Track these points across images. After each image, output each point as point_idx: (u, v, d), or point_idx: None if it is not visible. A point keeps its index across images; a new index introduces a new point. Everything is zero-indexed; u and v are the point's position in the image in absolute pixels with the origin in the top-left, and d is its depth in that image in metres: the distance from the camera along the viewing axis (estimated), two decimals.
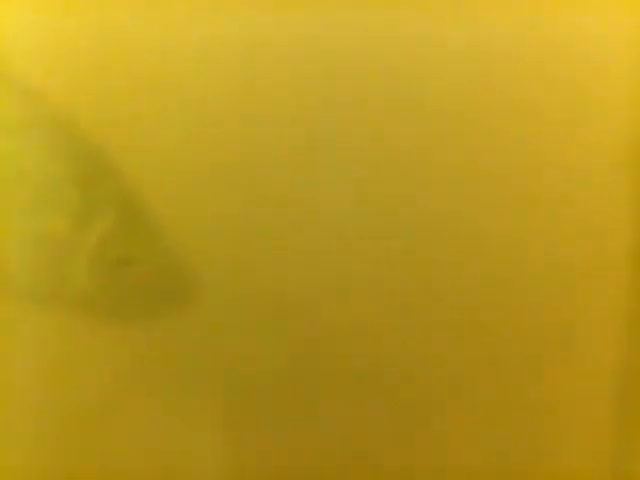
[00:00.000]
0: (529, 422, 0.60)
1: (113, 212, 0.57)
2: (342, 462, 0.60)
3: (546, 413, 0.60)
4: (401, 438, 0.60)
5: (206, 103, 0.58)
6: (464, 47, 0.58)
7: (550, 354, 0.60)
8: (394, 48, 0.58)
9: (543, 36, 0.58)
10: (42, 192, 0.56)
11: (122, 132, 0.57)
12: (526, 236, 0.60)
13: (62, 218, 0.56)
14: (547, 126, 0.59)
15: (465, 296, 0.60)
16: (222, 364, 0.59)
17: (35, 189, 0.56)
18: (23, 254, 0.57)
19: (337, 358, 0.59)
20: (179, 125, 0.58)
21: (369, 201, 0.59)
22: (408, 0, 0.57)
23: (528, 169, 0.59)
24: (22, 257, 0.57)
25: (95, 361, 0.59)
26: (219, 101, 0.58)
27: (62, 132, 0.57)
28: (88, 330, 0.58)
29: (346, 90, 0.58)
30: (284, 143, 0.58)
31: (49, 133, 0.57)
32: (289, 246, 0.59)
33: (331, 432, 0.60)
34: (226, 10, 0.57)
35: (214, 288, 0.58)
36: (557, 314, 0.60)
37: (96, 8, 0.57)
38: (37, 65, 0.57)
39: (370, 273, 0.59)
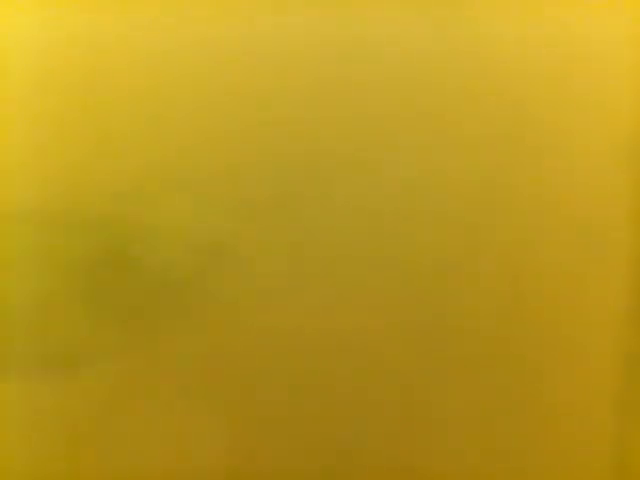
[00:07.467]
0: (529, 422, 0.60)
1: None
2: (342, 462, 0.60)
3: (546, 413, 0.60)
4: (401, 439, 0.60)
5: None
6: (463, 47, 0.58)
7: (550, 354, 0.60)
8: (393, 47, 0.58)
9: (543, 36, 0.58)
10: None
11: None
12: (526, 237, 0.59)
13: None
14: (547, 126, 0.59)
15: (464, 296, 0.60)
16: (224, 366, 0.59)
17: None
18: None
19: (337, 359, 0.60)
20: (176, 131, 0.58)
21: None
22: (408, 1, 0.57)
23: (528, 169, 0.59)
24: None
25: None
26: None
27: None
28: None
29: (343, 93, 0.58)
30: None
31: None
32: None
33: (331, 433, 0.60)
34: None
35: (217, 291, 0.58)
36: (557, 314, 0.60)
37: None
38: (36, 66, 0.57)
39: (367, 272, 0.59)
